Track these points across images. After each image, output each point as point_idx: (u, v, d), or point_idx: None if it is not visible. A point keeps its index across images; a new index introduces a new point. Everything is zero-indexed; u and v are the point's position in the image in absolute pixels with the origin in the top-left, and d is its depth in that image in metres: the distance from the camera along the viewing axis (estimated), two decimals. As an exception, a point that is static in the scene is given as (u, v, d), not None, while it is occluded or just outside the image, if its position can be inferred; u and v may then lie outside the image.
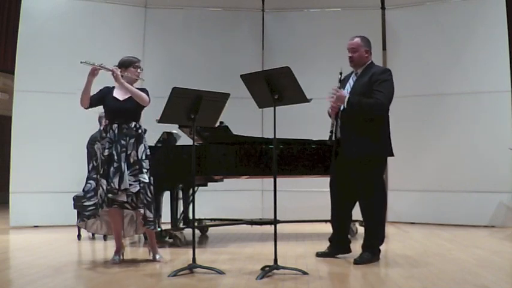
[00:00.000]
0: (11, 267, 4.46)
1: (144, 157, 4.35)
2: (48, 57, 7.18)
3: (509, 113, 7.00)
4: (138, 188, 4.27)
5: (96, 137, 6.00)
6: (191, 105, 4.05)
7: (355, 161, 4.34)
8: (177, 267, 4.01)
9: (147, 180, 4.31)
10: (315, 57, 7.74)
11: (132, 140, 4.33)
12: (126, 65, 4.48)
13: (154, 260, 4.48)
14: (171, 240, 5.36)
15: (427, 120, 7.43)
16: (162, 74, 7.26)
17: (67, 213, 6.27)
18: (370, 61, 4.51)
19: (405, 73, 7.64)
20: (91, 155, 5.94)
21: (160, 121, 4.27)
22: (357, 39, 4.49)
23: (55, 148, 7.10)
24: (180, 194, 5.71)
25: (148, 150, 4.42)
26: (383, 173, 4.54)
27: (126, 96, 4.41)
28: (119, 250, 4.47)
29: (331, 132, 4.42)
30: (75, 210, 5.91)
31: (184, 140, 6.01)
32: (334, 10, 7.96)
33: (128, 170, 4.27)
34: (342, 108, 4.41)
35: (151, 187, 4.38)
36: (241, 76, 4.08)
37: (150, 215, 4.34)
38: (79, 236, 5.89)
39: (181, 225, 5.65)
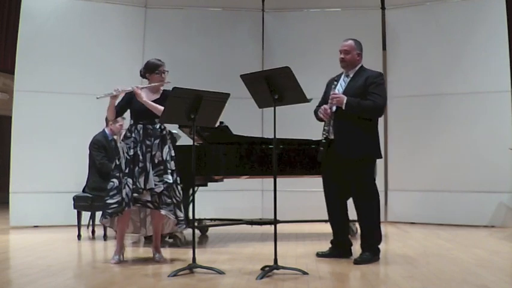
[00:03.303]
0: (11, 267, 4.46)
1: (168, 158, 4.42)
2: (48, 57, 7.17)
3: (509, 113, 7.00)
4: (162, 188, 4.34)
5: (99, 140, 5.99)
6: (191, 105, 4.06)
7: (349, 160, 4.38)
8: (177, 267, 4.01)
9: (171, 181, 4.37)
10: (315, 57, 7.74)
11: (157, 141, 4.40)
12: (150, 70, 4.52)
13: (154, 259, 4.49)
14: (171, 240, 5.36)
15: (427, 120, 7.43)
16: (162, 74, 7.23)
17: (67, 213, 6.28)
18: (361, 64, 4.56)
19: (405, 73, 7.65)
20: (93, 157, 5.95)
21: (160, 121, 4.29)
22: (350, 42, 4.54)
23: (55, 148, 7.10)
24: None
25: (172, 151, 4.49)
26: (374, 173, 4.63)
27: (153, 98, 4.47)
28: (120, 250, 4.47)
29: (327, 133, 4.43)
30: (75, 210, 5.92)
31: (184, 140, 6.01)
32: (334, 10, 7.95)
33: (152, 170, 4.34)
34: (334, 109, 4.44)
35: (179, 187, 4.46)
36: (241, 76, 4.09)
37: (180, 214, 4.44)
38: (79, 236, 5.89)
39: (181, 225, 5.64)
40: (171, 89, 4.47)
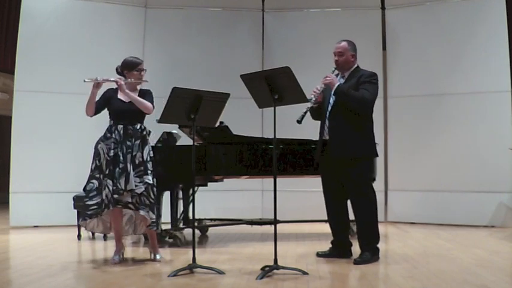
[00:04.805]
0: (11, 267, 4.46)
1: (148, 158, 4.40)
2: (48, 57, 7.17)
3: (509, 113, 7.00)
4: (142, 189, 4.32)
5: None
6: (191, 105, 4.06)
7: (343, 160, 4.39)
8: (177, 267, 4.01)
9: (151, 182, 4.36)
10: (315, 57, 7.72)
11: (138, 142, 4.38)
12: (129, 67, 4.48)
13: (154, 260, 4.49)
14: (171, 240, 5.36)
15: (427, 120, 7.43)
16: (162, 74, 7.24)
17: (67, 213, 6.27)
18: (356, 65, 4.57)
19: (405, 73, 7.65)
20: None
21: (160, 121, 4.28)
22: (344, 43, 4.55)
23: (55, 148, 7.10)
24: (180, 194, 5.71)
25: (151, 152, 4.47)
26: (374, 172, 4.67)
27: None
28: (119, 250, 4.48)
29: (305, 113, 4.37)
30: (75, 210, 5.91)
31: (184, 140, 6.00)
32: (334, 10, 7.95)
33: (133, 171, 4.32)
34: (329, 109, 4.47)
35: (154, 188, 4.42)
36: (241, 76, 4.09)
37: (153, 216, 4.38)
38: (79, 236, 5.89)
39: (181, 225, 5.65)
40: (148, 89, 4.50)
